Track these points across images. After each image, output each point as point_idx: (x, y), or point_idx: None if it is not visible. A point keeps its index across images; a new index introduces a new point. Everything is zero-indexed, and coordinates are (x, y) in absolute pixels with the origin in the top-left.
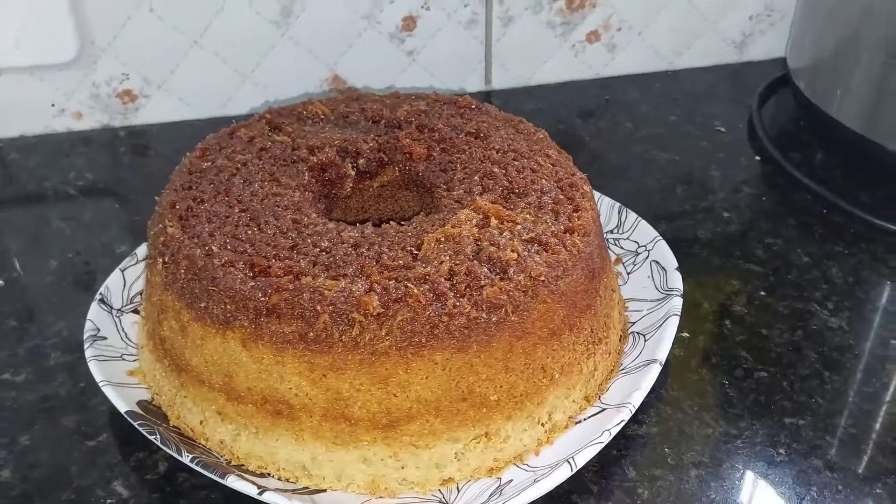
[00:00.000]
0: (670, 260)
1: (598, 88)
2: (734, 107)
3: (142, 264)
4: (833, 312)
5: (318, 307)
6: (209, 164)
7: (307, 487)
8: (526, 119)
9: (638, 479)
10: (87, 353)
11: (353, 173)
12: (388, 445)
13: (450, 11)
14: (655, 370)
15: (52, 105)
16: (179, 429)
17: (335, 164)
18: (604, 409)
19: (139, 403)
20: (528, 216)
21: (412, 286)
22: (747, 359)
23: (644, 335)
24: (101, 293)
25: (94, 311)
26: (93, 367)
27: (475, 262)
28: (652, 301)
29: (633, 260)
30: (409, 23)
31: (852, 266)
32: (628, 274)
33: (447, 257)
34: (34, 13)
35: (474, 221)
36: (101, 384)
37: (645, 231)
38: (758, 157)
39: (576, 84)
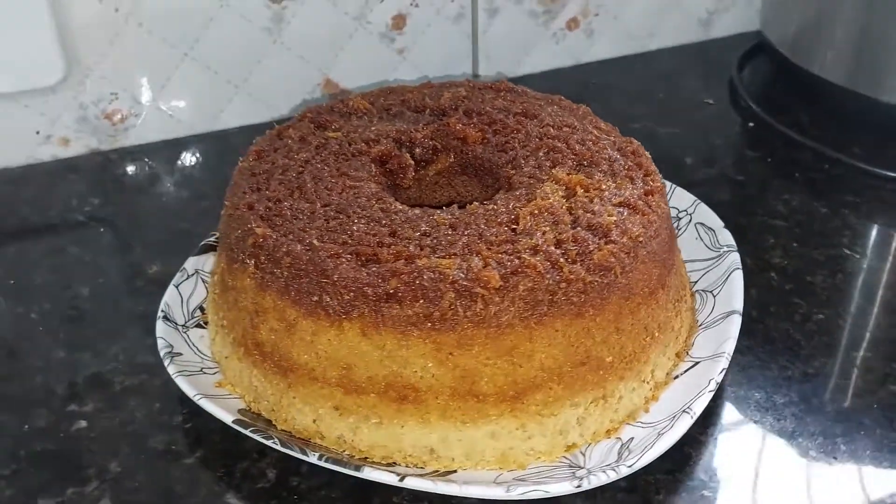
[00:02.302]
0: (715, 220)
1: (581, 75)
2: (711, 81)
3: (194, 278)
4: (863, 254)
5: (441, 286)
6: (269, 164)
7: (437, 471)
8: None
9: (740, 423)
10: (170, 370)
11: (413, 163)
12: (516, 417)
13: (438, 7)
14: (737, 320)
15: (38, 133)
16: (289, 432)
17: (395, 154)
18: (697, 363)
19: (239, 412)
20: (610, 182)
21: (528, 257)
22: (801, 304)
23: (711, 291)
24: (162, 310)
25: (162, 329)
26: (181, 382)
27: (577, 229)
28: (706, 260)
29: (675, 224)
30: (399, 21)
31: (866, 211)
32: None
33: (548, 228)
34: (17, 35)
35: (560, 193)
36: (195, 398)
37: (682, 196)
38: (751, 124)
39: (559, 72)
